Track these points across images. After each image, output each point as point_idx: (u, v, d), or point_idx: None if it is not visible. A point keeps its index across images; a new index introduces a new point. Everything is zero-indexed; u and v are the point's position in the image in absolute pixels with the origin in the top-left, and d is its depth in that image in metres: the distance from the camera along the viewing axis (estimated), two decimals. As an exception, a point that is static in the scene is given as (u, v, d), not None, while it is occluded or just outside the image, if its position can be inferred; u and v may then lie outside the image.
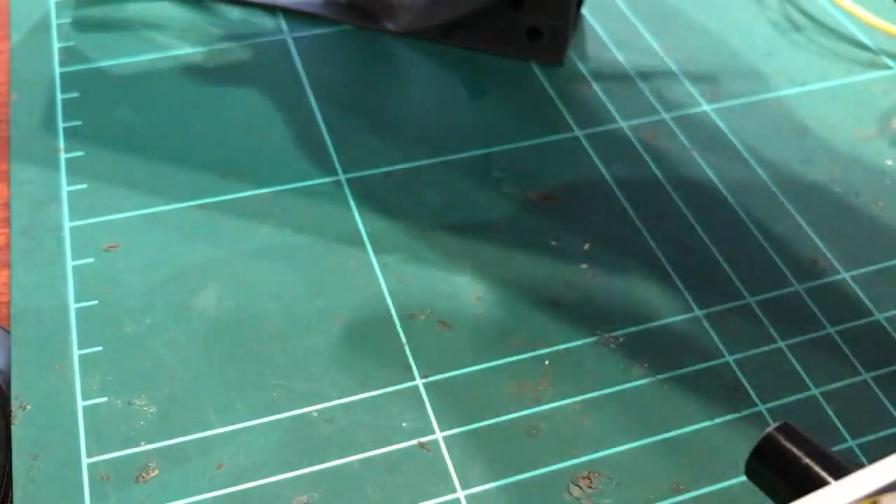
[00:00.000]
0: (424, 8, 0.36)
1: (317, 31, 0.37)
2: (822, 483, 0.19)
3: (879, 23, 0.37)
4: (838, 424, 0.25)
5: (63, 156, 0.31)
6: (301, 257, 0.29)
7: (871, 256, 0.30)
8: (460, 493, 0.23)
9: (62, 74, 0.34)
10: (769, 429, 0.20)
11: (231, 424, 0.24)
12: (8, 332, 0.26)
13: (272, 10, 0.38)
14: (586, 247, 0.29)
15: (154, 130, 0.32)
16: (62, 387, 0.25)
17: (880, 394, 0.26)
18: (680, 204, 0.31)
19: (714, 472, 0.24)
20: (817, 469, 0.19)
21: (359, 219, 0.30)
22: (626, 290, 0.28)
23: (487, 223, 0.30)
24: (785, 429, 0.20)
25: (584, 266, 0.29)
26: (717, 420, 0.25)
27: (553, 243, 0.29)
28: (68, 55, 0.35)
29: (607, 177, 0.32)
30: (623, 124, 0.34)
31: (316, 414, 0.25)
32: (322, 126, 0.33)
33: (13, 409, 0.24)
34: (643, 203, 0.31)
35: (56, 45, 0.36)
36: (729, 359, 0.27)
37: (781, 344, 0.27)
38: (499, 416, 0.25)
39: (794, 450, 0.19)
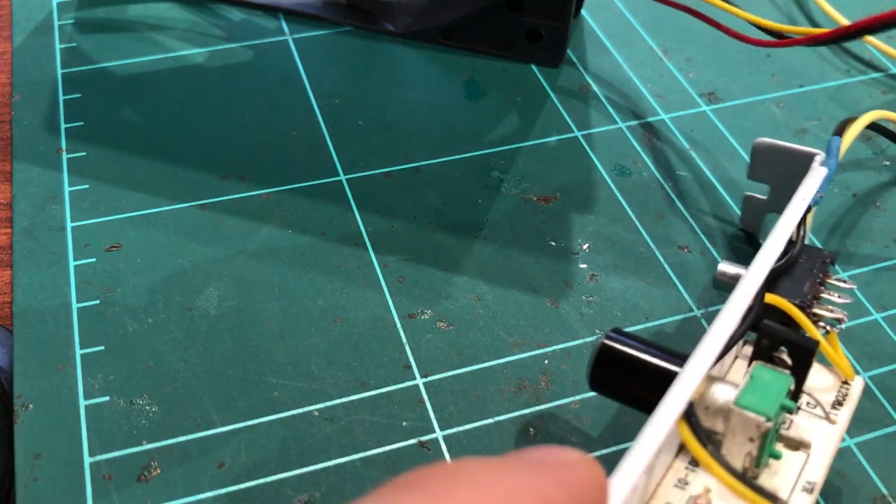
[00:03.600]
0: (424, 9, 0.36)
1: (317, 32, 0.37)
2: (662, 371, 0.21)
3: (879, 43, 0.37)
4: (836, 424, 0.25)
5: (65, 156, 0.31)
6: (302, 257, 0.29)
7: (869, 256, 0.30)
8: (460, 492, 0.23)
9: (64, 75, 0.34)
10: (601, 338, 0.22)
11: (232, 423, 0.24)
12: (10, 332, 0.27)
13: (273, 11, 0.38)
14: (586, 247, 0.29)
15: (156, 131, 0.33)
16: (64, 386, 0.25)
17: (878, 394, 0.26)
18: (679, 204, 0.31)
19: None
20: (656, 361, 0.21)
21: (359, 219, 0.30)
22: (626, 290, 0.28)
23: (487, 223, 0.30)
24: (615, 335, 0.22)
25: (584, 266, 0.29)
26: (716, 419, 0.25)
27: (552, 243, 0.30)
28: (70, 56, 0.35)
29: (607, 177, 0.32)
30: (622, 125, 0.34)
31: (317, 413, 0.25)
32: (323, 126, 0.33)
33: (15, 408, 0.24)
34: (643, 203, 0.31)
35: (58, 46, 0.36)
36: (728, 358, 0.27)
37: (780, 344, 0.27)
38: (499, 415, 0.25)
39: (631, 351, 0.22)
